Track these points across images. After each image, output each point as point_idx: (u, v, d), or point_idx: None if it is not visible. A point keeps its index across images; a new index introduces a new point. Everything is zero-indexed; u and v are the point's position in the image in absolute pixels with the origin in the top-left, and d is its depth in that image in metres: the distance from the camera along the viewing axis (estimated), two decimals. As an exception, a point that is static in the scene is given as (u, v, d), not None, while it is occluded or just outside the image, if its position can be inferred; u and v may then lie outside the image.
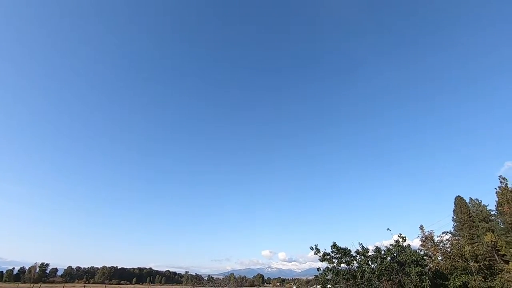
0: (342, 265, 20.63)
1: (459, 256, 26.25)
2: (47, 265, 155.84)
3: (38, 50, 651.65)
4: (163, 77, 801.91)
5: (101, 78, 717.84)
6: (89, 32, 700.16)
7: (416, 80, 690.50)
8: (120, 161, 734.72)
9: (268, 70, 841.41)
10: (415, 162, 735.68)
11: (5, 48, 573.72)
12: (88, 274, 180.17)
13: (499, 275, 24.00)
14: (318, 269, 21.93)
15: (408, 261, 18.64)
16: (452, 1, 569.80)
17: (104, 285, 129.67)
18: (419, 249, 29.27)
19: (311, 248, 21.54)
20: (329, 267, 20.76)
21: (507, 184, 33.06)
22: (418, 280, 17.69)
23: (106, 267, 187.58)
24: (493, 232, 34.38)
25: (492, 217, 41.08)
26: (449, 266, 25.90)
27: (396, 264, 18.95)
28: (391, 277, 18.87)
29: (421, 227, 33.41)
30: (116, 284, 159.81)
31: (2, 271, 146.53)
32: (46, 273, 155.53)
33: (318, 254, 21.33)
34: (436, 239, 31.73)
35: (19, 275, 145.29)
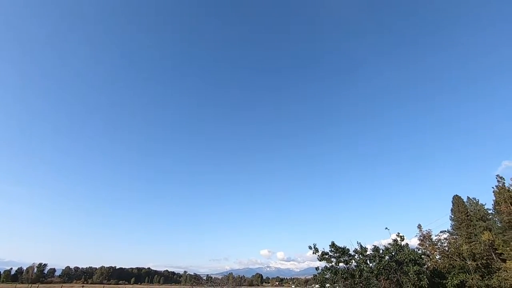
0: (341, 264, 20.65)
1: (456, 255, 26.37)
2: (45, 265, 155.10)
3: (37, 50, 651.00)
4: (163, 77, 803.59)
5: (101, 78, 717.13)
6: (89, 32, 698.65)
7: (416, 80, 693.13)
8: (120, 161, 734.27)
9: (268, 70, 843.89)
10: (414, 161, 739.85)
11: (5, 48, 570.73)
12: (86, 274, 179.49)
13: (497, 274, 24.11)
14: (317, 268, 21.93)
15: (406, 260, 18.69)
16: (452, 1, 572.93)
17: (102, 285, 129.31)
18: (417, 248, 29.35)
19: (310, 248, 21.56)
20: (328, 266, 20.77)
21: (504, 183, 33.22)
22: (416, 279, 17.75)
23: (104, 267, 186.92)
24: (490, 231, 34.56)
25: (490, 216, 41.31)
26: (447, 265, 26.01)
27: (394, 263, 19.00)
28: (389, 276, 18.93)
29: (419, 226, 33.52)
30: (114, 284, 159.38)
31: (0, 272, 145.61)
32: (44, 273, 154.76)
33: (316, 253, 21.34)
34: (434, 238, 31.88)
35: (17, 276, 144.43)
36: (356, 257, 20.57)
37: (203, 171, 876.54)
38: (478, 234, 36.13)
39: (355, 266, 20.25)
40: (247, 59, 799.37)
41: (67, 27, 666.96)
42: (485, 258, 26.95)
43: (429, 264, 26.79)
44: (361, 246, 20.91)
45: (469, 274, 23.19)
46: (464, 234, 40.35)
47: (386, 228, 23.55)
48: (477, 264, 25.01)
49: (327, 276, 20.52)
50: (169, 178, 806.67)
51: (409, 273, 18.01)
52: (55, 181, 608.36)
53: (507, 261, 25.47)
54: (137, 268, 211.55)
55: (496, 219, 39.49)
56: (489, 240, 29.17)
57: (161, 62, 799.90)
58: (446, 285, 21.52)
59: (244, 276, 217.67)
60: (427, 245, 30.69)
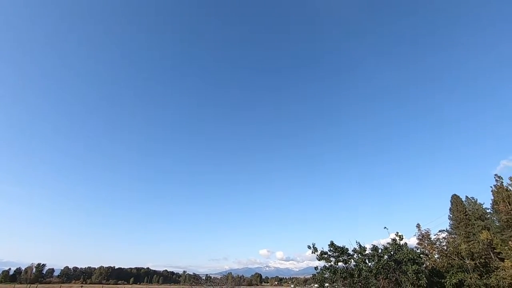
0: (340, 263, 20.65)
1: (455, 254, 26.42)
2: (44, 265, 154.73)
3: (37, 50, 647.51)
4: (163, 77, 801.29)
5: (101, 78, 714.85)
6: (89, 32, 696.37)
7: (415, 80, 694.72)
8: (120, 161, 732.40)
9: (268, 70, 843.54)
10: (413, 161, 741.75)
11: (4, 48, 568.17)
12: (85, 274, 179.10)
13: (495, 273, 24.18)
14: (316, 268, 21.93)
15: (405, 259, 18.71)
16: (452, 1, 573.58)
17: (101, 285, 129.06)
18: (416, 247, 29.45)
19: (309, 247, 21.55)
20: (327, 265, 20.78)
21: (502, 182, 33.33)
22: (415, 278, 17.78)
23: (103, 267, 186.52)
24: (488, 230, 34.66)
25: (488, 215, 41.46)
26: (445, 264, 26.05)
27: (393, 263, 19.01)
28: (388, 275, 18.95)
29: (418, 226, 33.58)
30: (113, 284, 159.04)
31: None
32: (43, 273, 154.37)
33: (315, 253, 21.34)
34: (432, 237, 31.90)
35: (15, 276, 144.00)
36: (355, 256, 20.58)
37: (203, 171, 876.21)
38: (476, 233, 36.26)
39: (354, 265, 20.25)
40: (247, 59, 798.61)
41: (67, 27, 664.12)
42: (483, 257, 27.02)
43: (428, 263, 26.83)
44: (360, 245, 20.92)
45: (467, 273, 23.25)
46: (462, 233, 40.50)
47: (385, 227, 23.55)
48: (475, 263, 25.07)
49: (326, 275, 20.53)
50: (169, 178, 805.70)
51: (407, 272, 18.03)
52: (55, 181, 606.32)
53: (505, 260, 25.55)
54: (136, 268, 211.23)
55: (495, 218, 39.65)
56: (487, 239, 29.24)
57: (161, 62, 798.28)
58: (445, 284, 21.56)
59: (243, 276, 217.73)
60: (426, 245, 30.73)
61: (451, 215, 48.67)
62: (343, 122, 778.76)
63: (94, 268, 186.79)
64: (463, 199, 47.72)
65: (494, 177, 34.13)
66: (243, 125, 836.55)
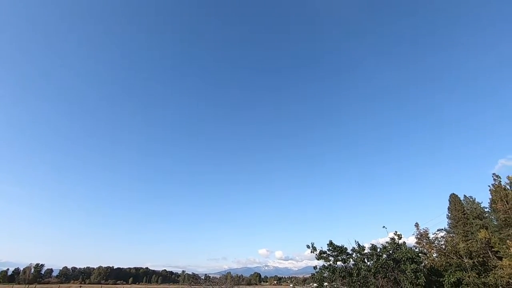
0: (339, 263, 20.68)
1: (453, 253, 26.51)
2: (42, 265, 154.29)
3: (37, 50, 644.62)
4: (163, 77, 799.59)
5: (101, 78, 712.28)
6: (89, 32, 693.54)
7: (415, 80, 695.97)
8: (120, 161, 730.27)
9: (268, 70, 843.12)
10: (412, 161, 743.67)
11: (4, 48, 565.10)
12: (84, 274, 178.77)
13: (493, 271, 24.29)
14: (315, 267, 21.95)
15: (403, 258, 18.75)
16: (452, 1, 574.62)
17: (100, 285, 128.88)
18: (414, 246, 29.49)
19: (308, 247, 21.56)
20: (326, 265, 20.80)
21: (500, 181, 33.48)
22: (414, 277, 17.82)
23: (102, 267, 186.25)
24: (486, 229, 34.85)
25: (486, 214, 41.68)
26: (443, 263, 26.14)
27: (391, 262, 19.05)
28: (387, 274, 18.98)
29: (416, 225, 33.69)
30: (112, 284, 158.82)
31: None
32: (41, 273, 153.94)
33: (314, 252, 21.36)
34: (431, 236, 32.02)
35: (14, 276, 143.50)
36: (354, 255, 20.60)
37: (203, 171, 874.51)
38: (474, 232, 36.42)
39: (352, 264, 20.28)
40: (247, 59, 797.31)
41: (67, 27, 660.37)
42: (481, 256, 27.12)
43: (426, 262, 26.92)
44: (358, 244, 20.94)
45: (465, 272, 23.33)
46: (461, 232, 40.65)
47: (384, 226, 23.63)
48: (473, 262, 25.16)
49: (325, 274, 20.56)
50: (169, 178, 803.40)
51: (406, 271, 18.07)
52: (55, 181, 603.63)
53: (503, 258, 25.69)
54: (135, 268, 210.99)
55: (493, 217, 39.86)
56: (485, 238, 29.38)
57: (161, 62, 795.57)
58: (443, 283, 21.64)
59: (242, 275, 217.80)
60: (424, 244, 30.84)
61: (449, 214, 48.84)
62: (343, 122, 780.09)
63: (93, 268, 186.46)
64: (462, 198, 47.93)
65: (492, 176, 34.32)
66: (243, 125, 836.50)
